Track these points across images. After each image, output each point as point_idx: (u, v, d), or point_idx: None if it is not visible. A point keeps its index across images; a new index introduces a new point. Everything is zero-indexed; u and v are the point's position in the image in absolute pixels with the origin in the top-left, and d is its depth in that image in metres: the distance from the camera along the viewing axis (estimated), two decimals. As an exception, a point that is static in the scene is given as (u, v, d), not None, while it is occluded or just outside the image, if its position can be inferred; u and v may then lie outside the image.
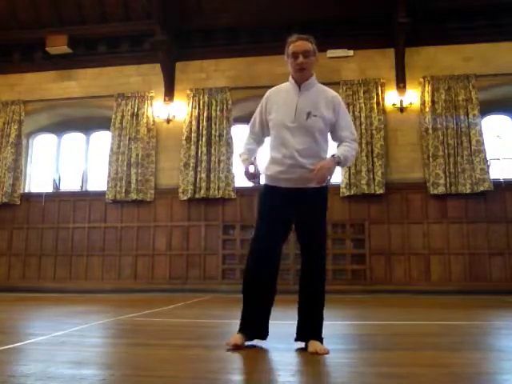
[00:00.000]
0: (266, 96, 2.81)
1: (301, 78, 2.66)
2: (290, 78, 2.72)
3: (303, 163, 2.60)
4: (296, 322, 2.66)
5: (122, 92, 8.90)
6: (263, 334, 2.66)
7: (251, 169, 2.74)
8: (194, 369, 2.14)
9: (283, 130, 2.65)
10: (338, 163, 2.61)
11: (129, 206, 8.65)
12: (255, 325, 2.65)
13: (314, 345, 2.49)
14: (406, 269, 7.79)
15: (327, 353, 2.43)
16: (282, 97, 2.72)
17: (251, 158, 2.83)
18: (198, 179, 8.38)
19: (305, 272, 2.64)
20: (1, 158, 9.03)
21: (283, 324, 3.16)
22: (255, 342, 2.65)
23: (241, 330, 2.62)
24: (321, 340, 2.54)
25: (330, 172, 2.58)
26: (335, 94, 2.78)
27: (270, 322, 2.71)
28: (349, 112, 8.62)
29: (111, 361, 2.45)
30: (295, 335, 2.62)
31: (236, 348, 2.52)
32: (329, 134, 2.76)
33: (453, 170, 7.82)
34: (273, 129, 2.71)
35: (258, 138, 2.87)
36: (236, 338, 2.58)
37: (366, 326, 3.81)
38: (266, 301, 2.68)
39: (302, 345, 2.59)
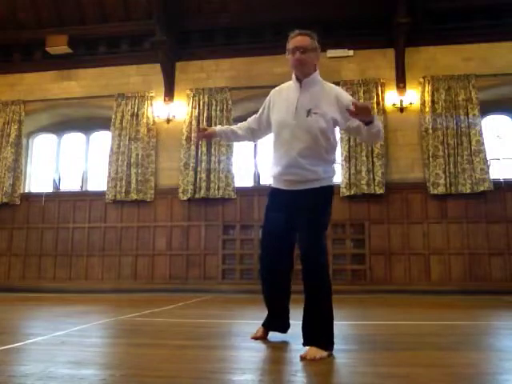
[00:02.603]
0: (269, 96, 2.78)
1: (301, 73, 2.55)
2: (293, 75, 2.61)
3: (302, 164, 2.48)
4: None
5: (122, 92, 8.90)
6: (282, 328, 2.83)
7: (207, 129, 2.95)
8: (194, 369, 2.14)
9: (283, 128, 2.56)
10: (371, 121, 2.36)
11: (129, 206, 8.65)
12: (272, 319, 2.83)
13: (306, 351, 2.32)
14: (406, 269, 7.78)
15: (314, 359, 2.24)
16: (283, 95, 2.65)
17: (221, 132, 2.95)
18: (197, 179, 8.38)
19: (303, 275, 2.52)
20: (1, 158, 9.01)
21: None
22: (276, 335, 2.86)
23: (262, 324, 2.87)
24: (322, 346, 2.34)
25: (370, 109, 2.31)
26: (340, 90, 2.66)
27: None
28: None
29: (111, 361, 2.45)
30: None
31: (256, 339, 2.80)
32: (337, 135, 2.64)
33: (453, 170, 7.81)
34: (274, 128, 2.67)
35: (257, 127, 2.85)
36: (258, 330, 2.87)
37: (365, 326, 3.81)
38: (277, 297, 2.81)
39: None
